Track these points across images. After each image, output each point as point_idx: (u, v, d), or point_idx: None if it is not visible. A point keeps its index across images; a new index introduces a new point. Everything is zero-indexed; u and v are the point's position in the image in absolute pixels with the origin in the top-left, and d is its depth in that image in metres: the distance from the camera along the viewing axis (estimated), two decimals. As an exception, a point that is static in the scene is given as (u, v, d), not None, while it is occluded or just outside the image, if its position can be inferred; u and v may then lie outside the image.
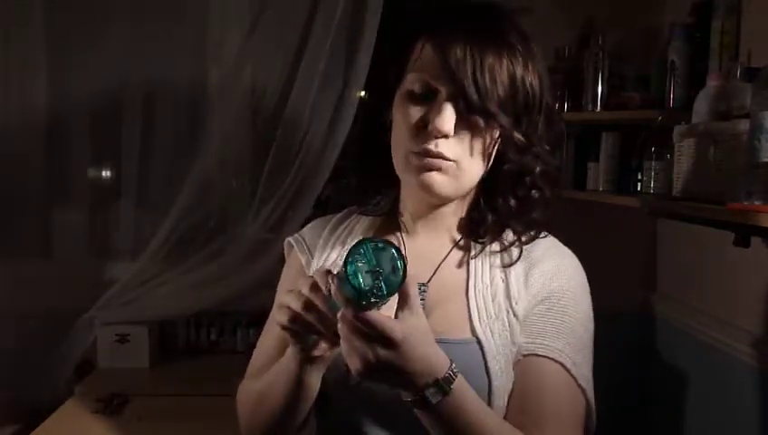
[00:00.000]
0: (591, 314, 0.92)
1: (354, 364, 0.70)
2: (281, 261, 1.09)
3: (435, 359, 0.72)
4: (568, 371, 0.84)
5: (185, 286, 2.06)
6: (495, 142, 0.83)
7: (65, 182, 2.17)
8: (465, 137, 0.82)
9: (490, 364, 0.82)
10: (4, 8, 2.05)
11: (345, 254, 0.71)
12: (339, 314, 0.71)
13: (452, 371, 0.73)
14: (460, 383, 0.74)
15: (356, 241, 0.72)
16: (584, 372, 0.86)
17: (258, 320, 2.17)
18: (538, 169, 0.87)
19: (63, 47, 2.11)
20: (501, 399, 0.82)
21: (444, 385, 0.72)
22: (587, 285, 0.93)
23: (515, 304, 0.86)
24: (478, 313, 0.85)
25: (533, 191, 0.89)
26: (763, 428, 1.61)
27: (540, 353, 0.83)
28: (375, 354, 0.69)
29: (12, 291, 2.05)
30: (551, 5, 2.12)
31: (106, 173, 2.26)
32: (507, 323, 0.85)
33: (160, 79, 2.13)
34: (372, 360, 0.69)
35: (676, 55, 1.77)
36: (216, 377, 1.97)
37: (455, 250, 0.92)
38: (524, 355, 0.84)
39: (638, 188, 1.86)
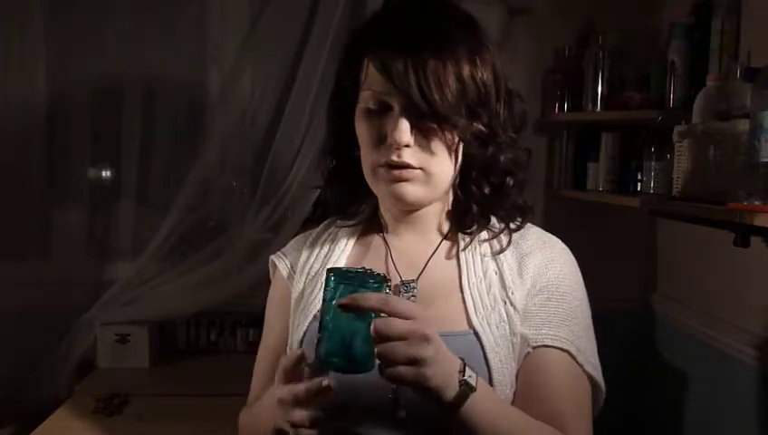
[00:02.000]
0: (587, 299, 0.93)
1: (400, 374, 0.69)
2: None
3: (449, 354, 0.73)
4: (574, 358, 0.85)
5: (185, 286, 2.06)
6: (458, 141, 0.85)
7: (65, 182, 2.16)
8: (427, 143, 0.84)
9: (489, 356, 0.82)
10: (4, 8, 2.04)
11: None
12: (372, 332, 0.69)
13: (465, 365, 0.73)
14: (479, 378, 0.75)
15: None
16: (589, 358, 0.87)
17: (258, 320, 2.17)
18: (503, 157, 0.89)
19: (63, 48, 2.10)
20: (503, 391, 0.82)
21: (467, 380, 0.72)
22: (579, 270, 0.94)
23: (511, 295, 0.86)
24: (474, 305, 0.86)
25: (507, 178, 0.90)
26: (762, 428, 1.61)
27: (548, 344, 0.84)
28: (417, 355, 0.68)
29: (12, 291, 2.05)
30: (551, 6, 2.13)
31: (106, 173, 2.26)
32: (505, 314, 0.85)
33: (160, 79, 2.13)
34: (419, 360, 0.68)
35: (676, 55, 1.77)
36: (216, 377, 1.97)
37: (443, 244, 0.93)
38: (534, 347, 0.84)
39: (638, 188, 1.86)
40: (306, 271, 0.97)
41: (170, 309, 2.08)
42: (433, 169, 0.85)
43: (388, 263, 0.93)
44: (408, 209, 0.91)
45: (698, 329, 1.91)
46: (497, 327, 0.84)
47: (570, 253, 0.95)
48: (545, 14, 2.12)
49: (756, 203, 1.16)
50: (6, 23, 2.05)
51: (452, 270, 0.90)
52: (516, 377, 0.85)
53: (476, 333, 0.84)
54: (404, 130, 0.82)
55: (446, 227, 0.93)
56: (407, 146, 0.83)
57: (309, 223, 1.05)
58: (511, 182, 0.91)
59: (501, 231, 0.91)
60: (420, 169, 0.84)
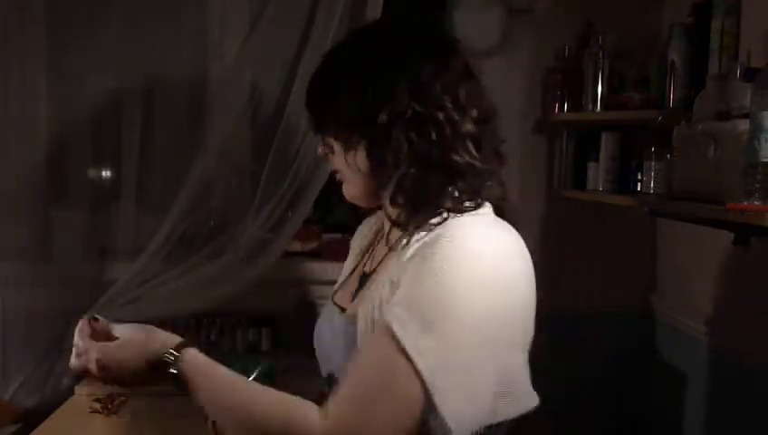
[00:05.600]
0: (473, 302, 0.80)
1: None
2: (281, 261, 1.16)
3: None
4: (395, 334, 0.77)
5: (185, 286, 2.06)
6: (348, 148, 0.94)
7: (65, 182, 2.16)
8: (335, 154, 0.97)
9: (359, 339, 0.89)
10: (4, 9, 2.04)
11: None
12: None
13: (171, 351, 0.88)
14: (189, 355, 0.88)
15: None
16: (424, 343, 0.77)
17: (258, 320, 2.18)
18: (394, 162, 0.91)
19: (63, 48, 2.10)
20: None
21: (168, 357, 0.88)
22: (477, 268, 0.81)
23: (395, 290, 0.85)
24: (363, 295, 0.94)
25: (405, 180, 0.90)
26: (762, 427, 1.61)
27: (377, 317, 0.86)
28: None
29: (12, 291, 2.05)
30: (551, 6, 2.13)
31: (106, 173, 2.26)
32: (378, 303, 0.88)
33: (160, 79, 2.13)
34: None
35: (676, 55, 1.77)
36: (216, 377, 1.97)
37: (388, 240, 1.01)
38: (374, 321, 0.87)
39: (638, 188, 1.86)
40: (349, 257, 1.18)
41: (170, 309, 2.07)
42: (348, 176, 0.97)
43: (371, 253, 1.07)
44: (364, 206, 1.04)
45: (698, 329, 1.91)
46: (372, 323, 0.87)
47: (462, 249, 0.82)
48: (545, 14, 2.12)
49: (756, 203, 1.16)
50: (6, 23, 2.05)
51: (388, 264, 0.96)
52: None
53: (355, 317, 0.91)
54: (318, 141, 1.00)
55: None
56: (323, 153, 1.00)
57: None
58: (408, 183, 0.90)
59: (416, 227, 0.90)
60: (339, 173, 0.99)
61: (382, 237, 1.06)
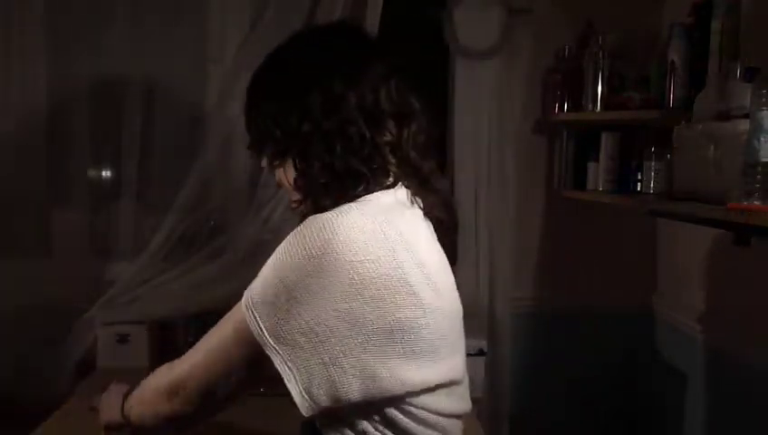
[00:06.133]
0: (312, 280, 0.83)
1: None
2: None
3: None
4: (243, 303, 0.89)
5: (185, 286, 2.06)
6: (271, 159, 1.01)
7: (65, 182, 2.16)
8: (269, 167, 1.04)
9: None
10: (4, 9, 2.04)
11: None
12: None
13: None
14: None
15: None
16: (260, 297, 0.88)
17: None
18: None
19: (63, 48, 2.10)
20: None
21: None
22: (302, 260, 0.84)
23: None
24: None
25: (321, 180, 0.94)
26: (762, 428, 1.61)
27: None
28: None
29: (12, 291, 2.04)
30: (551, 6, 2.13)
31: (106, 173, 2.26)
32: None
33: (160, 79, 2.13)
34: None
35: (676, 55, 1.77)
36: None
37: None
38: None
39: (638, 188, 1.86)
40: None
41: (170, 309, 2.08)
42: (282, 184, 1.04)
43: None
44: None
45: (698, 329, 1.91)
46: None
47: (303, 229, 0.86)
48: (545, 14, 2.12)
49: (756, 203, 1.17)
50: (6, 23, 2.05)
51: None
52: None
53: None
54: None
55: None
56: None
57: None
58: (317, 190, 0.94)
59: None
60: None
61: None
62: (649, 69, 1.94)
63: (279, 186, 1.05)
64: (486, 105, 2.13)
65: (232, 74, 2.11)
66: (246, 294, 0.89)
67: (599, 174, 2.02)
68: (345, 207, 0.87)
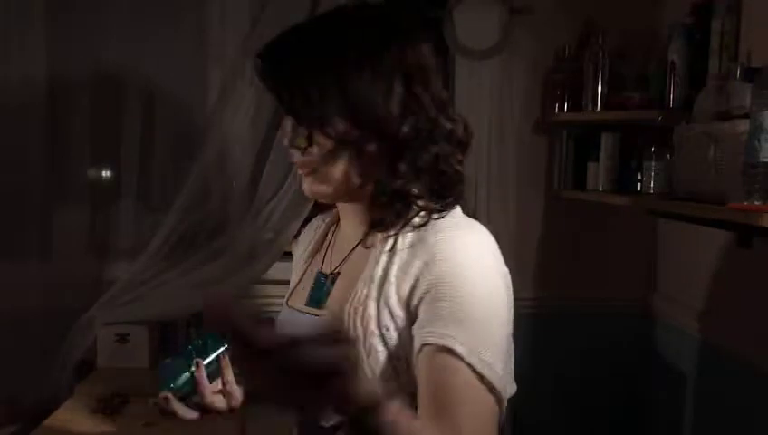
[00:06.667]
0: (494, 298, 0.86)
1: None
2: (281, 261, 1.14)
3: None
4: (460, 356, 0.79)
5: (185, 286, 2.06)
6: (340, 140, 0.87)
7: (65, 182, 2.16)
8: (309, 142, 0.88)
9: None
10: (4, 9, 2.04)
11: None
12: None
13: None
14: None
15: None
16: (486, 358, 0.80)
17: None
18: (399, 156, 0.88)
19: (63, 47, 2.10)
20: (367, 374, 0.85)
21: None
22: (482, 265, 0.86)
23: (389, 289, 0.87)
24: (352, 296, 0.89)
25: (395, 179, 0.89)
26: (762, 428, 1.61)
27: (429, 342, 0.81)
28: None
29: (12, 291, 2.04)
30: (551, 5, 2.13)
31: (106, 173, 2.26)
32: (375, 308, 0.87)
33: (160, 79, 2.13)
34: None
35: (676, 55, 1.77)
36: (216, 377, 1.97)
37: (366, 238, 0.95)
38: (421, 346, 0.83)
39: (638, 188, 1.86)
40: (297, 260, 1.12)
41: (170, 309, 2.08)
42: (323, 169, 0.89)
43: (326, 252, 1.03)
44: (328, 203, 0.99)
45: (698, 329, 1.91)
46: (361, 320, 0.86)
47: (469, 244, 0.87)
48: (545, 14, 2.12)
49: (756, 203, 1.17)
50: (6, 24, 2.05)
51: (363, 262, 0.93)
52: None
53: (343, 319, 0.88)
54: (285, 132, 0.89)
55: (368, 223, 0.95)
56: (291, 146, 0.89)
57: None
58: (397, 183, 0.89)
59: (402, 227, 0.90)
60: (311, 169, 0.90)
61: (332, 237, 1.05)
62: (649, 69, 1.94)
63: (300, 168, 0.92)
64: (486, 105, 2.13)
65: (232, 74, 2.11)
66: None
67: (599, 174, 2.02)
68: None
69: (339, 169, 0.89)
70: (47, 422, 1.69)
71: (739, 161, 1.22)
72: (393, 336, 0.86)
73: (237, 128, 2.13)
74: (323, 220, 1.11)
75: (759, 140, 1.15)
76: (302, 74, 0.86)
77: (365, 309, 0.87)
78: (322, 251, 1.05)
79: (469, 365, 0.79)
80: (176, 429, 1.63)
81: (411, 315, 0.85)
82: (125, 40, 2.07)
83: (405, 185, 0.89)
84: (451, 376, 0.80)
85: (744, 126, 1.22)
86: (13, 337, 2.02)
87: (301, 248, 1.13)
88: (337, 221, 1.06)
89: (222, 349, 0.99)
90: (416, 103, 0.88)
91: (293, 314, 1.02)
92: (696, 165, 1.41)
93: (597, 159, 2.03)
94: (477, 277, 0.84)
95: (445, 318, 0.81)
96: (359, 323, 0.87)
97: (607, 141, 2.00)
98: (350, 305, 0.89)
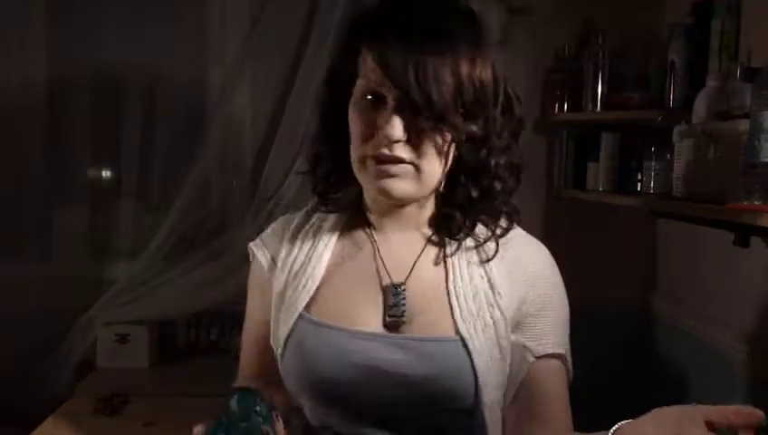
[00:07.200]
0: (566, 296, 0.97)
1: None
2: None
3: None
4: (565, 361, 0.92)
5: (185, 286, 2.06)
6: (451, 140, 0.83)
7: (65, 182, 2.17)
8: (419, 140, 0.81)
9: (476, 361, 0.83)
10: (4, 8, 2.05)
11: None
12: None
13: None
14: None
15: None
16: (569, 356, 0.93)
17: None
18: (494, 161, 0.86)
19: (63, 47, 2.11)
20: (491, 394, 0.84)
21: None
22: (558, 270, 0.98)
23: (499, 300, 0.86)
24: (460, 311, 0.85)
25: (495, 182, 0.88)
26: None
27: (549, 353, 0.89)
28: None
29: (12, 291, 2.05)
30: (551, 5, 2.12)
31: (106, 173, 2.26)
32: (491, 320, 0.86)
33: (160, 79, 2.13)
34: None
35: (676, 55, 1.77)
36: (216, 377, 1.96)
37: (429, 247, 0.91)
38: (537, 357, 0.88)
39: (638, 188, 1.86)
40: (288, 267, 0.96)
41: (170, 309, 2.08)
42: (423, 166, 0.83)
43: (377, 261, 0.91)
44: (395, 205, 0.89)
45: (698, 329, 1.91)
46: (483, 332, 0.85)
47: (550, 255, 0.98)
48: (545, 14, 2.12)
49: (756, 203, 1.17)
50: (6, 24, 2.05)
51: (439, 275, 0.89)
52: (509, 381, 0.89)
53: (463, 339, 0.84)
54: (396, 125, 0.80)
55: (428, 230, 0.92)
56: (398, 141, 0.81)
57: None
58: (498, 187, 0.88)
59: (487, 239, 0.89)
60: (411, 164, 0.82)
61: (375, 244, 0.93)
62: (649, 69, 1.94)
63: (403, 162, 0.83)
64: (486, 105, 2.13)
65: (232, 74, 2.12)
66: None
67: (599, 174, 2.02)
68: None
69: (435, 169, 0.84)
70: (47, 422, 1.69)
71: (739, 161, 1.22)
72: (506, 346, 0.87)
73: (237, 128, 2.13)
74: (311, 224, 0.98)
75: (759, 140, 1.15)
76: (435, 68, 0.79)
77: (484, 322, 0.86)
78: (362, 259, 0.92)
79: (566, 366, 0.92)
80: (176, 429, 1.64)
81: (507, 321, 0.87)
82: (125, 40, 2.07)
83: (480, 196, 0.88)
84: (562, 377, 0.92)
85: (744, 126, 1.22)
86: (13, 337, 2.02)
87: (295, 253, 0.97)
88: (365, 225, 0.94)
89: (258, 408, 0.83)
90: (509, 107, 0.89)
91: (357, 340, 0.87)
92: (695, 165, 1.41)
93: (597, 159, 2.03)
94: (563, 285, 0.96)
95: (555, 329, 0.91)
96: (483, 338, 0.85)
97: (607, 141, 2.00)
98: (467, 322, 0.85)
